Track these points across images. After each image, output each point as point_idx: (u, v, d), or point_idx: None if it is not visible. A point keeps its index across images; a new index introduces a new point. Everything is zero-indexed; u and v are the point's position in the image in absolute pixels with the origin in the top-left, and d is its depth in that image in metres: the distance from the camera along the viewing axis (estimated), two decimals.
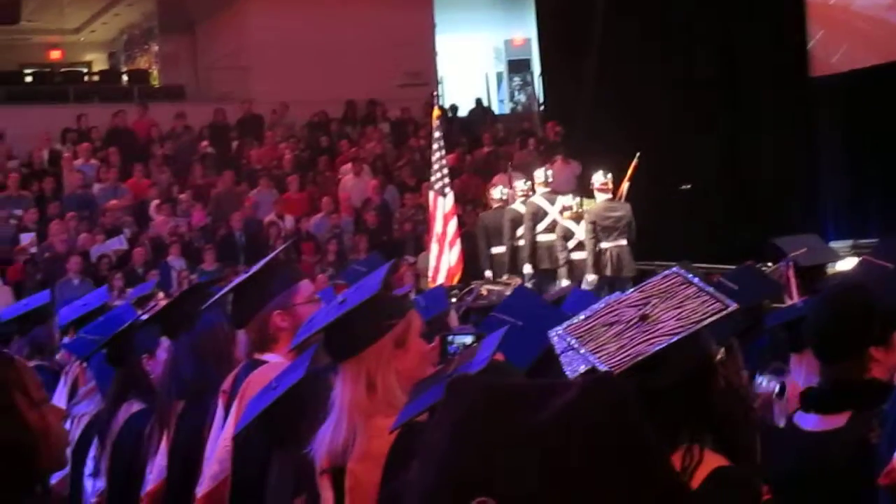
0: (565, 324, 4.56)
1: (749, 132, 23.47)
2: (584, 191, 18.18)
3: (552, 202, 16.80)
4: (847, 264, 15.35)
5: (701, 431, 3.10)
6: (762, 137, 23.38)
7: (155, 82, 29.30)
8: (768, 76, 23.39)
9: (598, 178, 16.55)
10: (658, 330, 3.10)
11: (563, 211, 16.63)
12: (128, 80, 28.63)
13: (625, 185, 17.36)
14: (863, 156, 21.89)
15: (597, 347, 3.13)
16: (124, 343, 6.07)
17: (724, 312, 3.17)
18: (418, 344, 3.84)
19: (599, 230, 16.10)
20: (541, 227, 16.65)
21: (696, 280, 3.31)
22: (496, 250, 17.06)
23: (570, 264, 16.25)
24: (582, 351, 3.16)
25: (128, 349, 6.08)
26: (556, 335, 4.48)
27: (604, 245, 16.09)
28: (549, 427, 1.65)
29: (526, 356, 4.77)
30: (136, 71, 29.97)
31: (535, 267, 16.51)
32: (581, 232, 16.23)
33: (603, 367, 3.03)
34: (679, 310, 3.16)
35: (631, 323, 3.15)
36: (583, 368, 4.26)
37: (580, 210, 16.51)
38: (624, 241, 16.07)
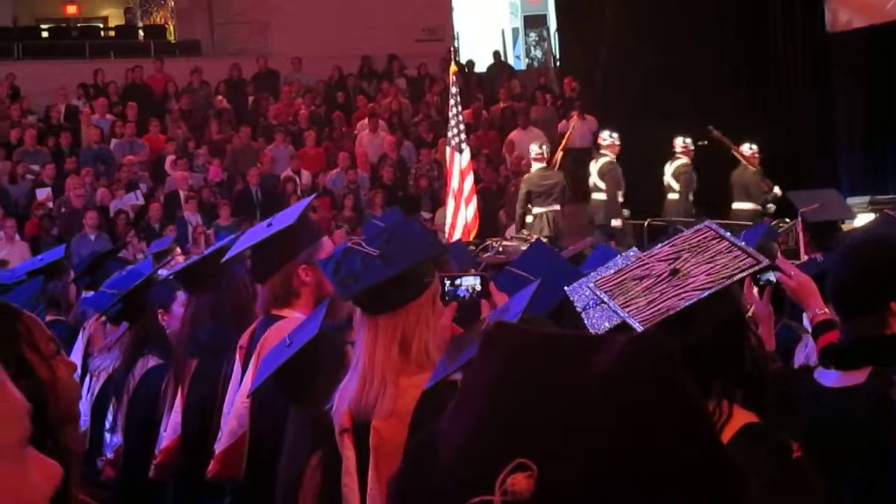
0: (595, 277, 4.56)
1: (767, 88, 23.37)
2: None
3: None
4: (863, 220, 15.35)
5: (731, 387, 3.09)
6: (780, 93, 23.29)
7: (171, 37, 29.21)
8: (786, 32, 23.28)
9: (534, 148, 18.07)
10: (689, 284, 3.08)
11: None
12: (144, 35, 28.56)
13: (559, 154, 18.56)
14: (880, 112, 21.78)
15: (626, 301, 3.11)
16: (140, 298, 6.07)
17: (757, 268, 3.17)
18: (440, 304, 3.82)
19: (534, 196, 17.45)
20: None
21: (728, 234, 3.28)
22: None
23: None
24: (612, 304, 3.13)
25: (143, 304, 6.08)
26: (579, 290, 4.47)
27: (537, 210, 17.37)
28: (593, 382, 1.62)
29: (540, 310, 4.76)
30: (153, 26, 29.87)
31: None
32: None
33: (633, 322, 3.01)
34: (710, 265, 3.14)
35: (661, 277, 3.13)
36: (608, 324, 4.25)
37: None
38: (557, 206, 17.46)
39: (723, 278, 3.09)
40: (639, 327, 2.98)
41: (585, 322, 4.40)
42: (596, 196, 18.08)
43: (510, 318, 3.46)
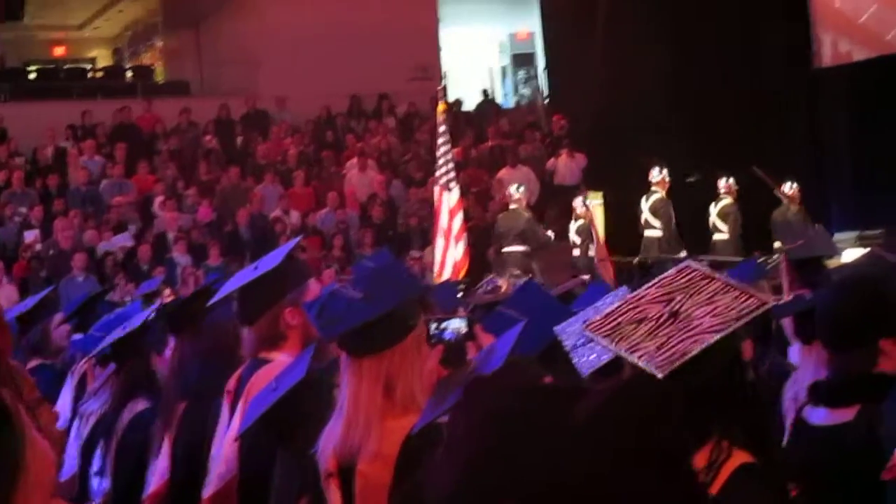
0: (581, 320, 4.55)
1: (754, 123, 23.44)
2: (589, 184, 18.47)
3: None
4: (851, 255, 15.37)
5: (730, 426, 3.09)
6: (767, 129, 23.36)
7: (159, 78, 29.27)
8: (772, 67, 23.35)
9: (512, 190, 18.62)
10: (696, 327, 3.08)
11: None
12: (132, 76, 28.59)
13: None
14: (869, 147, 21.84)
15: (632, 346, 3.09)
16: (130, 341, 6.04)
17: (764, 308, 3.17)
18: (426, 347, 3.81)
19: (503, 237, 18.22)
20: None
21: (718, 274, 3.29)
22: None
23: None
24: (616, 350, 3.12)
25: (133, 347, 6.05)
26: (569, 330, 4.47)
27: (505, 250, 18.02)
28: (575, 429, 1.62)
29: (530, 350, 4.75)
30: (141, 67, 29.93)
31: None
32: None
33: (649, 367, 3.00)
34: (711, 306, 3.14)
35: (662, 320, 3.12)
36: (597, 363, 4.24)
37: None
38: (524, 247, 17.87)
39: (732, 320, 3.09)
40: (658, 373, 2.97)
41: (575, 361, 4.40)
42: (649, 233, 18.49)
43: (496, 360, 3.46)
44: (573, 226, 18.89)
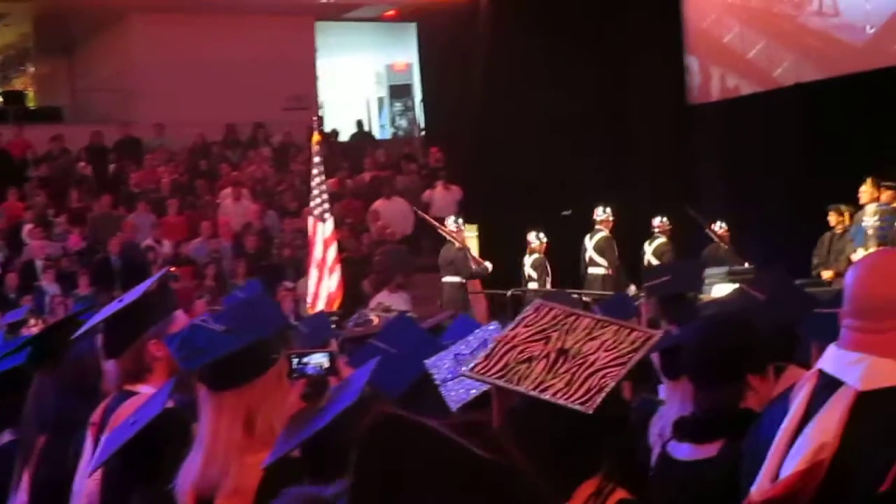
0: (452, 354, 4.55)
1: (628, 158, 23.75)
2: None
3: None
4: (721, 291, 15.58)
5: (613, 463, 3.12)
6: (640, 162, 23.68)
7: (31, 104, 28.81)
8: (647, 102, 23.70)
9: (450, 222, 18.25)
10: (595, 362, 3.12)
11: None
12: (3, 102, 28.08)
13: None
14: (740, 183, 22.21)
15: (539, 385, 3.11)
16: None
17: (654, 340, 3.25)
18: (286, 381, 3.78)
19: (442, 268, 17.97)
20: None
21: (579, 310, 3.32)
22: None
23: None
24: (522, 389, 3.12)
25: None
26: (439, 365, 4.47)
27: (443, 280, 17.82)
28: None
29: (399, 384, 4.75)
30: (12, 92, 29.42)
31: None
32: None
33: (571, 404, 3.02)
34: (598, 342, 3.20)
35: (552, 358, 3.15)
36: (467, 397, 4.24)
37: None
38: (458, 278, 17.55)
39: (629, 352, 3.15)
40: (588, 410, 3.00)
41: (444, 395, 4.40)
42: (593, 270, 18.77)
43: (350, 394, 3.45)
44: (528, 260, 18.96)
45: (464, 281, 17.47)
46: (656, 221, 18.96)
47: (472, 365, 3.30)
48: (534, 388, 3.09)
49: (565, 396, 3.04)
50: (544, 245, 18.86)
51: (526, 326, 3.28)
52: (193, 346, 3.69)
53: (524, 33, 23.37)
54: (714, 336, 4.21)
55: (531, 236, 18.94)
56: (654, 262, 18.65)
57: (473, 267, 17.32)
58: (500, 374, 3.17)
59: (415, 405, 4.65)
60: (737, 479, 3.77)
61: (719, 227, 18.67)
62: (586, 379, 3.06)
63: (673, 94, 24.22)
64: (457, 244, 17.69)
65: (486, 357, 3.24)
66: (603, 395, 3.02)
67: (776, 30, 22.72)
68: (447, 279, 17.55)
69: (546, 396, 3.06)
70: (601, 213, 18.94)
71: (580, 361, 3.12)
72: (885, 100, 19.29)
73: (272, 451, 3.40)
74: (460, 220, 17.99)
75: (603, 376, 3.06)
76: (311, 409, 3.53)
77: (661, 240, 19.02)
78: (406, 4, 27.17)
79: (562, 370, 3.10)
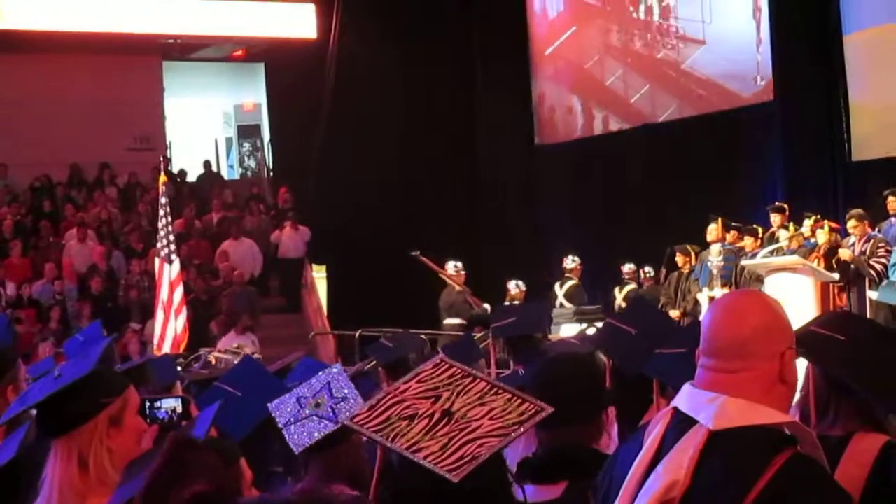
0: (294, 397, 4.57)
1: (477, 197, 23.99)
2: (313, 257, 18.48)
3: None
4: (569, 330, 15.80)
5: None
6: (488, 207, 23.93)
7: None
8: (494, 146, 23.99)
9: (450, 266, 18.07)
10: (476, 429, 3.13)
11: None
12: None
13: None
14: (587, 223, 22.51)
15: (413, 446, 3.11)
16: None
17: (543, 414, 3.23)
18: (135, 422, 3.78)
19: (443, 311, 17.85)
20: None
21: (478, 373, 3.35)
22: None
23: None
24: (395, 447, 3.11)
25: None
26: (282, 407, 4.50)
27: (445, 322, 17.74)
28: None
29: (243, 427, 4.78)
30: None
31: None
32: None
33: (439, 470, 3.03)
34: (486, 408, 3.20)
35: (436, 418, 3.16)
36: (309, 441, 4.28)
37: None
38: (458, 320, 17.48)
39: (513, 425, 3.15)
40: (454, 478, 3.00)
41: (287, 438, 4.44)
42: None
43: (196, 435, 3.48)
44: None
45: (464, 323, 17.43)
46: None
47: (354, 414, 3.29)
48: (407, 448, 3.09)
49: (436, 461, 3.04)
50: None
51: (419, 382, 3.28)
52: (28, 392, 3.72)
53: (371, 74, 23.51)
54: (557, 377, 4.20)
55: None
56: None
57: (474, 309, 17.37)
58: (378, 427, 3.16)
59: (259, 448, 4.68)
60: None
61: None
62: (462, 446, 3.07)
63: (521, 135, 24.53)
64: (457, 287, 17.77)
65: (371, 408, 3.23)
66: (473, 465, 3.02)
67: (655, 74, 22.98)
68: (448, 321, 17.58)
69: (418, 458, 3.06)
70: (570, 262, 19.43)
71: (462, 426, 3.12)
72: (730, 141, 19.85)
73: (113, 497, 3.40)
74: (459, 264, 18.02)
75: (480, 445, 3.07)
76: (147, 455, 3.54)
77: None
78: (254, 45, 27.09)
79: (441, 433, 3.10)
